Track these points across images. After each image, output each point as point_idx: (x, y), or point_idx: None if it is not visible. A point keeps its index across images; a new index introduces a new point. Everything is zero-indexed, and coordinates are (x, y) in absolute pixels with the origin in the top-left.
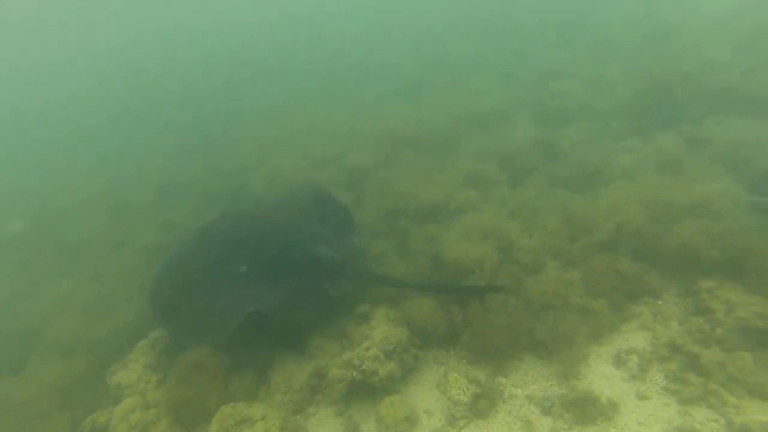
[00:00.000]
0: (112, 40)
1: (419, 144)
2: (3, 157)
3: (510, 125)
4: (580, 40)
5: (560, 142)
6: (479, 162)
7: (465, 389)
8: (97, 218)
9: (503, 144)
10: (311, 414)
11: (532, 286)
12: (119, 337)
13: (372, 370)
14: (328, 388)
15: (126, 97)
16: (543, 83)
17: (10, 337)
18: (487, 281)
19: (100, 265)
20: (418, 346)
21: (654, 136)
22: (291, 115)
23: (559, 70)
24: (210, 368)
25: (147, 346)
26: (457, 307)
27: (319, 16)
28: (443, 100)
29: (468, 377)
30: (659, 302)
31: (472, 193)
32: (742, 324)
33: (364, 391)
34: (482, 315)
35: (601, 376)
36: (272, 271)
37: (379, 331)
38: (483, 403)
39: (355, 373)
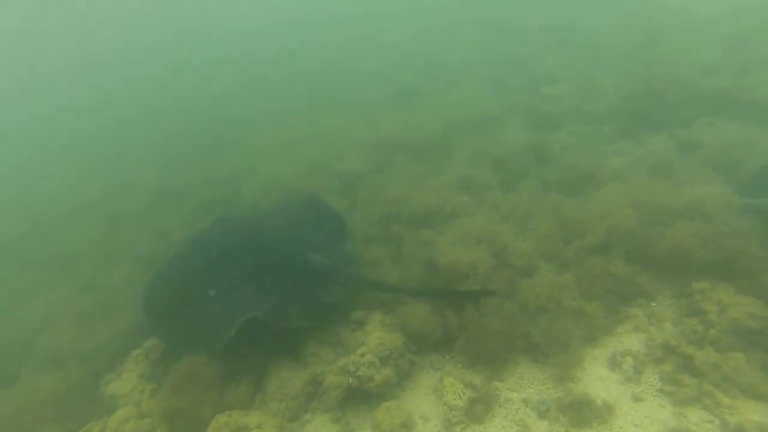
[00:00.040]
0: (106, 48)
1: (412, 149)
2: None
3: (502, 130)
4: (571, 45)
5: (552, 146)
6: (472, 166)
7: (461, 394)
8: (90, 227)
9: (495, 148)
10: (307, 421)
11: (527, 290)
12: (113, 347)
13: (368, 376)
14: (324, 395)
15: (120, 105)
16: (534, 88)
17: (2, 348)
18: (481, 285)
19: (93, 274)
20: (414, 352)
21: (645, 139)
22: (283, 122)
23: (550, 74)
24: (204, 377)
25: (141, 355)
26: (452, 312)
27: (310, 24)
28: (436, 106)
29: (464, 382)
30: (653, 304)
31: (465, 197)
32: (735, 325)
33: (360, 397)
34: (477, 319)
35: (597, 378)
36: (264, 278)
37: (375, 337)
38: (479, 408)
39: (350, 379)
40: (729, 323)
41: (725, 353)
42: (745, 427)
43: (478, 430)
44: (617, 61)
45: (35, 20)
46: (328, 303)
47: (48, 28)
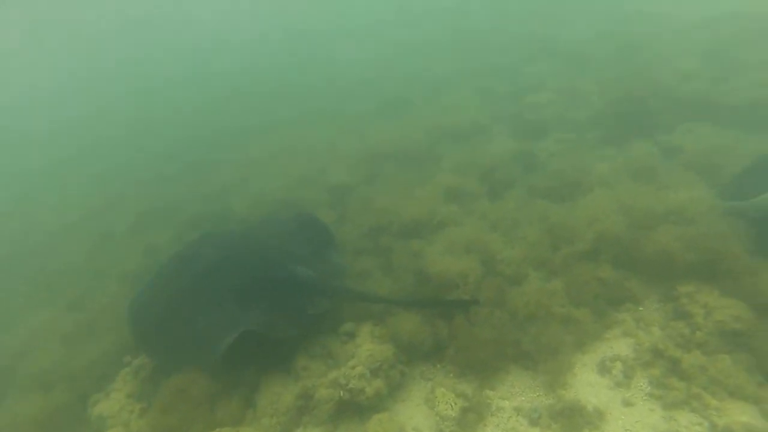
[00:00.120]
0: (101, 62)
1: (400, 160)
2: None
3: (488, 139)
4: (554, 53)
5: (538, 153)
6: (460, 176)
7: (453, 404)
8: (78, 244)
9: (483, 157)
10: None
11: (516, 298)
12: (101, 367)
13: (359, 388)
14: (316, 408)
15: (110, 121)
16: (520, 96)
17: None
18: (471, 294)
19: (81, 292)
20: (405, 362)
21: (629, 145)
22: (271, 135)
23: (534, 83)
24: (195, 394)
25: (130, 374)
26: (442, 321)
27: (299, 37)
28: (423, 116)
29: (455, 391)
30: (641, 308)
31: (453, 207)
32: (720, 327)
33: (351, 410)
34: (467, 328)
35: (587, 384)
36: (250, 292)
37: (365, 349)
38: (471, 417)
39: (342, 392)
40: (714, 326)
41: (712, 355)
42: (733, 429)
43: None
44: (600, 69)
45: (32, 36)
46: (313, 315)
47: (43, 43)
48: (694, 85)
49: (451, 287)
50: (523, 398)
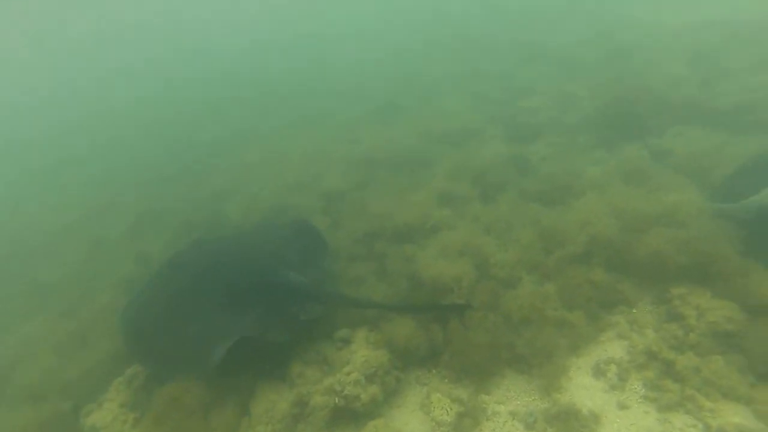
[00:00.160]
0: (99, 68)
1: (393, 165)
2: None
3: (481, 143)
4: (545, 58)
5: (530, 157)
6: (452, 180)
7: (448, 409)
8: (70, 252)
9: (475, 161)
10: None
11: (510, 301)
12: (94, 377)
13: (354, 395)
14: (311, 416)
15: (104, 127)
16: (512, 101)
17: None
18: (465, 299)
19: (74, 301)
20: (400, 368)
21: (620, 149)
22: (265, 140)
23: (526, 87)
24: (188, 403)
25: (123, 384)
26: (437, 326)
27: (292, 43)
28: (415, 121)
29: (451, 396)
30: (634, 311)
31: (446, 211)
32: (713, 328)
33: (347, 416)
34: (462, 332)
35: (582, 387)
36: (242, 298)
37: (360, 355)
38: (467, 422)
39: (337, 399)
40: (707, 327)
41: (705, 357)
42: (727, 430)
43: None
44: (590, 74)
45: (32, 38)
46: (306, 321)
47: (43, 45)
48: (682, 90)
49: (446, 291)
50: (518, 402)
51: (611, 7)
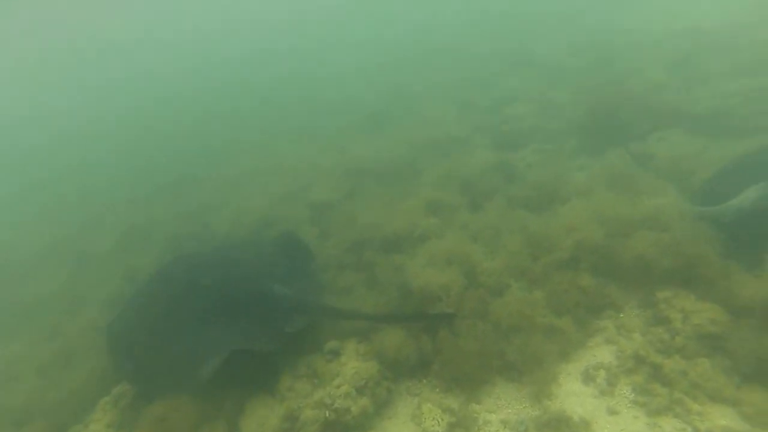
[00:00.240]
0: (87, 82)
1: (381, 175)
2: None
3: (468, 151)
4: (529, 67)
5: (517, 164)
6: (440, 188)
7: (439, 419)
8: (56, 269)
9: (462, 169)
10: None
11: (499, 309)
12: (79, 397)
13: (345, 407)
14: (302, 430)
15: (89, 142)
16: (497, 108)
17: None
18: (454, 307)
19: (59, 320)
20: (390, 379)
21: (604, 154)
22: (252, 152)
23: (511, 95)
24: (177, 422)
25: (109, 403)
26: (427, 336)
27: (278, 55)
28: (402, 130)
29: (441, 407)
30: (621, 315)
31: (434, 219)
32: (698, 331)
33: (338, 430)
34: (452, 341)
35: (572, 394)
36: (227, 312)
37: (350, 367)
38: None
39: (327, 412)
40: (693, 330)
41: (691, 360)
42: None
43: None
44: (574, 81)
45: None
46: (291, 333)
47: (22, 64)
48: (663, 95)
49: (434, 300)
50: (509, 410)
51: (593, 15)
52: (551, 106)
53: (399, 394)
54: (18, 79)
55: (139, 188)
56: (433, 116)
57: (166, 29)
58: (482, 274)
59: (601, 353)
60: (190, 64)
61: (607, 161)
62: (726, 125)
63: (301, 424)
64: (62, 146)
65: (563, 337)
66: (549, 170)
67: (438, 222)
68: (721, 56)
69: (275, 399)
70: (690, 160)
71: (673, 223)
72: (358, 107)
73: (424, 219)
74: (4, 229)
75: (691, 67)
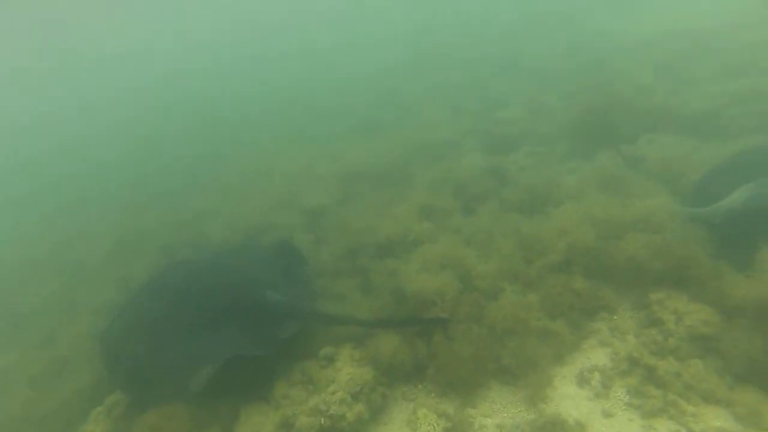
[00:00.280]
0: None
1: (374, 180)
2: None
3: (461, 155)
4: (520, 71)
5: (509, 167)
6: (433, 193)
7: (435, 425)
8: (48, 279)
9: (455, 173)
10: None
11: (493, 312)
12: (72, 407)
13: (340, 414)
14: None
15: (82, 150)
16: (489, 113)
17: None
18: (448, 311)
19: (51, 330)
20: (385, 384)
21: (595, 157)
22: (247, 159)
23: (502, 99)
24: (171, 430)
25: (102, 413)
26: (422, 340)
27: (269, 61)
28: (395, 135)
29: (437, 412)
30: (615, 317)
31: (427, 224)
32: (691, 332)
33: None
34: (446, 346)
35: (567, 397)
36: (219, 319)
37: (345, 373)
38: None
39: (323, 419)
40: (685, 331)
41: (685, 361)
42: None
43: None
44: (564, 84)
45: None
46: (283, 338)
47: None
48: (652, 98)
49: (429, 305)
50: (504, 415)
51: (582, 19)
52: (543, 109)
53: (394, 399)
54: (14, 86)
55: (134, 196)
56: (426, 120)
57: (159, 38)
58: (476, 278)
59: (596, 355)
60: (183, 71)
61: (599, 164)
62: (714, 126)
63: (296, 431)
64: (59, 154)
65: (558, 340)
66: (541, 173)
67: (431, 226)
68: (706, 58)
69: (270, 406)
70: (680, 161)
71: (665, 224)
72: (352, 112)
73: (417, 223)
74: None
75: (678, 69)
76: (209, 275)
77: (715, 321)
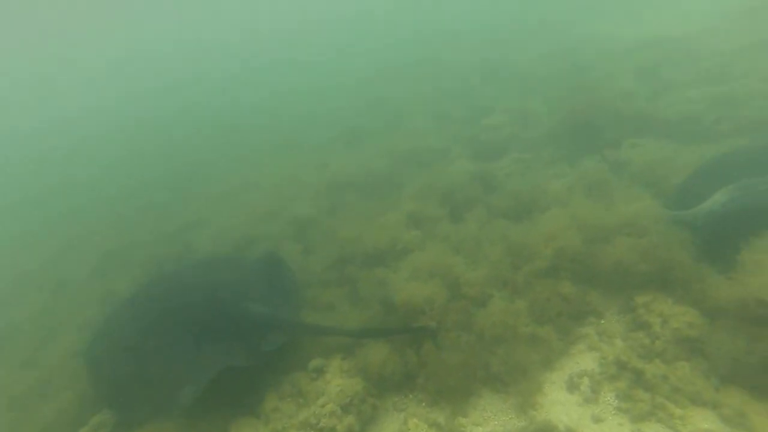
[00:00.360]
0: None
1: (362, 188)
2: None
3: (448, 162)
4: (503, 77)
5: (496, 173)
6: (421, 201)
7: None
8: (31, 297)
9: (443, 181)
10: None
11: (482, 320)
12: (55, 430)
13: (330, 426)
14: None
15: (64, 164)
16: (475, 119)
17: None
18: (437, 319)
19: (34, 349)
20: (376, 395)
21: (580, 162)
22: (234, 170)
23: (488, 106)
24: None
25: None
26: (411, 349)
27: (253, 73)
28: (382, 143)
29: (428, 421)
30: (602, 321)
31: (415, 232)
32: (677, 335)
33: None
34: (436, 354)
35: (557, 403)
36: (203, 333)
37: (334, 385)
38: None
39: None
40: (671, 334)
41: (671, 364)
42: None
43: None
44: (548, 90)
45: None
46: (268, 351)
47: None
48: (634, 103)
49: (418, 313)
50: (495, 423)
51: (566, 26)
52: (528, 115)
53: (385, 410)
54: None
55: (121, 209)
56: (413, 128)
57: (150, 47)
58: (465, 286)
59: (584, 360)
60: (173, 81)
61: (584, 169)
62: (694, 130)
63: None
64: (46, 165)
65: (546, 346)
66: (527, 179)
67: (420, 234)
68: (685, 64)
69: (260, 420)
70: (663, 164)
71: (649, 228)
72: (338, 122)
73: (405, 232)
74: None
75: (659, 74)
76: (192, 289)
77: (700, 323)
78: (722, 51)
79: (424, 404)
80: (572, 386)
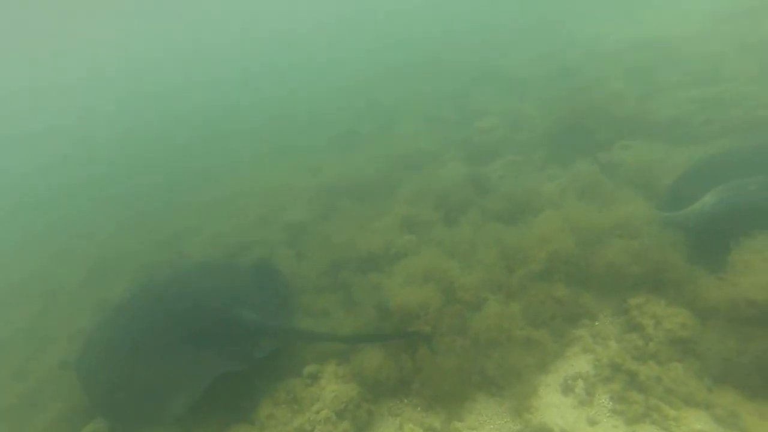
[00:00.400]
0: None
1: (355, 193)
2: None
3: (441, 165)
4: (496, 80)
5: (490, 176)
6: (414, 205)
7: None
8: (22, 306)
9: (436, 184)
10: None
11: (477, 324)
12: None
13: None
14: None
15: (59, 170)
16: (467, 122)
17: None
18: (432, 324)
19: (25, 359)
20: (371, 400)
21: (572, 164)
22: (224, 176)
23: (480, 108)
24: None
25: None
26: (406, 354)
27: (245, 79)
28: (375, 147)
29: (423, 426)
30: (596, 323)
31: (409, 236)
32: (670, 336)
33: None
34: (431, 359)
35: (552, 405)
36: (195, 340)
37: (329, 390)
38: None
39: None
40: (665, 335)
41: (665, 365)
42: None
43: None
44: (540, 93)
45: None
46: (260, 357)
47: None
48: (625, 105)
49: (413, 318)
50: (491, 426)
51: (557, 28)
52: (521, 117)
53: (380, 415)
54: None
55: (111, 218)
56: (405, 131)
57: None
58: (459, 290)
59: (579, 363)
60: (167, 88)
61: (576, 171)
62: (684, 132)
63: None
64: (41, 172)
65: (541, 349)
66: (521, 181)
67: (414, 238)
68: (674, 66)
69: (255, 427)
70: (654, 166)
71: (642, 229)
72: (330, 126)
73: (399, 236)
74: None
75: (649, 77)
76: (185, 297)
77: (692, 324)
78: (707, 54)
79: (419, 409)
80: (567, 389)
